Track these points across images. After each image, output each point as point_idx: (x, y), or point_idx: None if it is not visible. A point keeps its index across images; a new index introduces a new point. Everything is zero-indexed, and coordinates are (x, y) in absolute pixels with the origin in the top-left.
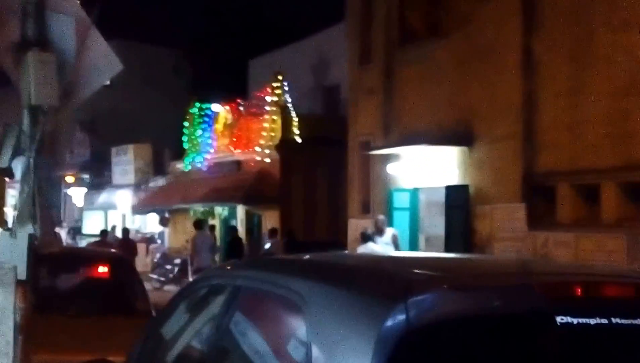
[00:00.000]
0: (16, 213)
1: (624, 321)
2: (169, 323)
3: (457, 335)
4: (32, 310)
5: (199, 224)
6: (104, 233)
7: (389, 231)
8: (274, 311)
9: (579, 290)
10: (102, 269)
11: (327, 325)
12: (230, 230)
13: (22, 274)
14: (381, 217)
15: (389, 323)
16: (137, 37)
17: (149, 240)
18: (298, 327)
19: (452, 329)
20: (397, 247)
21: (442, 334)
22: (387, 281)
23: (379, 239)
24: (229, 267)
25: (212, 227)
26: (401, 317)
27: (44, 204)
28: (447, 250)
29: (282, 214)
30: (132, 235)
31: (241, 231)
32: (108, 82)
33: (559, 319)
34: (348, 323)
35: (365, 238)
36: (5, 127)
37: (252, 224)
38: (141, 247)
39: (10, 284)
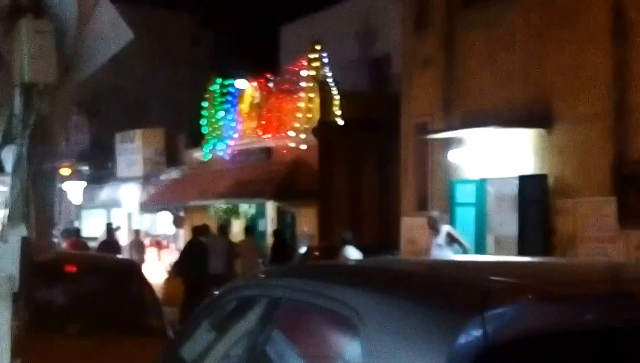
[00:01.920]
0: (7, 212)
1: None
2: (191, 343)
3: (544, 353)
4: (25, 328)
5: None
6: (110, 229)
7: (445, 230)
8: (321, 328)
9: None
10: (109, 279)
11: (386, 344)
12: (273, 233)
13: (15, 286)
14: (435, 213)
15: (463, 340)
16: (148, 0)
17: (160, 244)
18: (351, 347)
19: (537, 347)
20: (457, 248)
21: (526, 353)
22: (459, 291)
23: (432, 240)
24: (264, 275)
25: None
26: (477, 333)
27: (39, 201)
28: (521, 253)
29: (320, 213)
30: (141, 237)
31: (272, 231)
32: (114, 54)
33: None
34: (412, 342)
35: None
36: None
37: (284, 223)
38: (152, 253)
39: (5, 298)
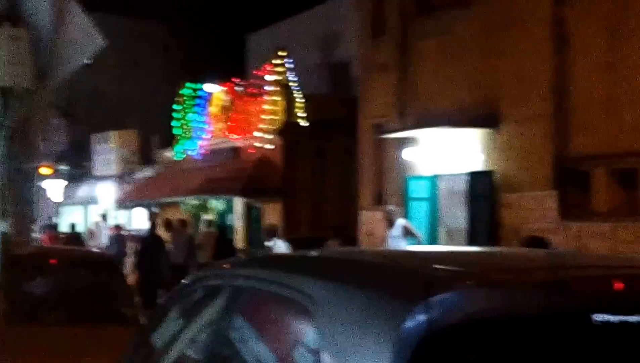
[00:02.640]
0: None
1: None
2: (160, 330)
3: (485, 337)
4: (5, 318)
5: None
6: (73, 226)
7: (399, 223)
8: (280, 314)
9: (618, 285)
10: (84, 271)
11: (339, 329)
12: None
13: None
14: (390, 207)
15: (408, 324)
16: (122, 10)
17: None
18: (307, 332)
19: (478, 331)
20: (411, 239)
21: (468, 337)
22: (405, 279)
23: (388, 232)
24: (227, 266)
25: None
26: (422, 318)
27: (17, 199)
28: (470, 244)
29: (285, 208)
30: (122, 232)
31: (239, 226)
32: (89, 61)
33: (597, 317)
34: (362, 326)
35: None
36: None
37: (251, 218)
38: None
39: None
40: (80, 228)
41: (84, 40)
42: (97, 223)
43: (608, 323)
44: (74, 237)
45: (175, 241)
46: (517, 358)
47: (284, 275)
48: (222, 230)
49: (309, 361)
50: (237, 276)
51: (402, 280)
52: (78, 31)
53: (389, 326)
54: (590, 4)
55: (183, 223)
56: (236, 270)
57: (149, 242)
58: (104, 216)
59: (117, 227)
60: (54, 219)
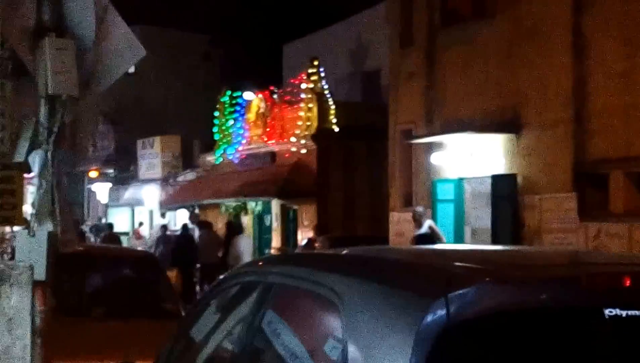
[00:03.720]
0: (34, 210)
1: None
2: (198, 323)
3: (501, 330)
4: (53, 312)
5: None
6: (111, 226)
7: (427, 223)
8: (309, 309)
9: (629, 281)
10: (128, 269)
11: (364, 322)
12: (226, 225)
13: (40, 274)
14: (419, 209)
15: (429, 318)
16: (165, 22)
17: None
18: (334, 325)
19: (494, 324)
20: (436, 239)
21: (485, 329)
22: (426, 275)
23: (417, 231)
24: (260, 263)
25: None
26: (441, 312)
27: (64, 200)
28: (494, 243)
29: (319, 208)
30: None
31: (276, 226)
32: (131, 70)
33: (607, 312)
34: (386, 320)
35: (235, 231)
36: (21, 119)
37: (287, 219)
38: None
39: (26, 285)
40: (126, 228)
41: (125, 49)
42: (142, 224)
43: (619, 317)
44: (113, 237)
45: (204, 241)
46: (532, 350)
47: (312, 272)
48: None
49: (337, 352)
50: (269, 273)
51: (423, 277)
52: (119, 41)
53: (410, 319)
54: (607, 14)
55: (207, 224)
56: (269, 268)
57: (181, 241)
58: (140, 224)
59: (163, 227)
60: (103, 220)
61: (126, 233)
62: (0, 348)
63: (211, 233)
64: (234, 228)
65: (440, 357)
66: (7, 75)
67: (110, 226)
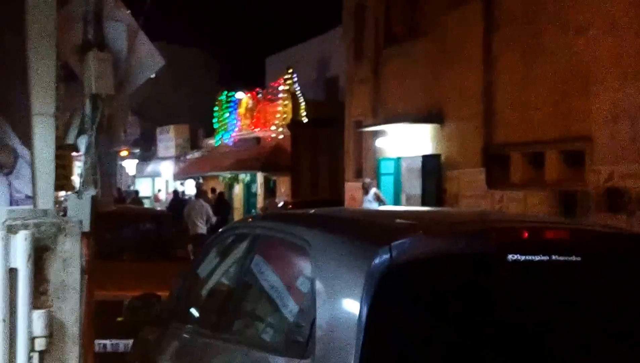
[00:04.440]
0: (81, 179)
1: (561, 257)
2: (203, 264)
3: (430, 270)
4: (94, 256)
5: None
6: (120, 191)
7: (372, 191)
8: (285, 254)
9: (526, 234)
10: (151, 223)
11: (327, 264)
12: (218, 194)
13: (86, 227)
14: (367, 180)
15: (377, 261)
16: (177, 40)
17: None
18: (305, 266)
19: (426, 266)
20: (380, 203)
21: (418, 270)
22: (375, 229)
23: (364, 198)
24: (249, 219)
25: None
26: (386, 256)
27: (103, 172)
28: (424, 206)
29: (292, 179)
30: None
31: (260, 192)
32: (153, 75)
33: (510, 257)
34: (344, 263)
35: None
36: (72, 112)
37: (269, 187)
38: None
39: (76, 235)
40: (149, 193)
41: (149, 60)
42: (160, 190)
43: (518, 261)
44: (137, 200)
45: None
46: (453, 286)
47: (289, 226)
48: (221, 194)
49: (307, 286)
50: (256, 227)
51: (372, 230)
52: (145, 55)
53: (363, 262)
54: (509, 36)
55: (203, 192)
56: (256, 223)
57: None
58: (159, 191)
59: (175, 193)
60: (132, 188)
61: (148, 197)
62: (59, 281)
63: (197, 202)
64: (223, 202)
65: (385, 291)
66: (61, 79)
67: (137, 192)
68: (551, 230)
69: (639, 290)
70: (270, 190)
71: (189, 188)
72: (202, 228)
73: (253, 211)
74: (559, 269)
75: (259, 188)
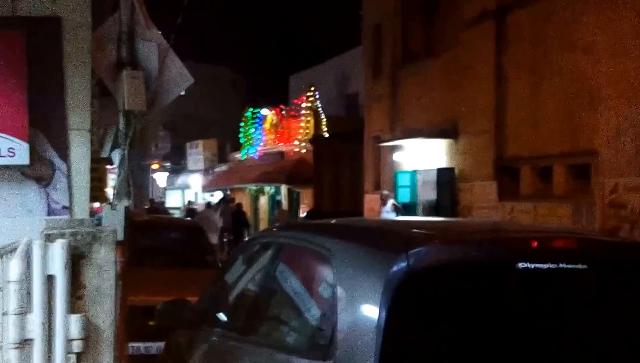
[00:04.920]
0: (115, 191)
1: (568, 265)
2: (230, 271)
3: (445, 277)
4: (128, 263)
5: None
6: (152, 202)
7: (390, 202)
8: (308, 262)
9: (535, 243)
10: (180, 232)
11: (348, 271)
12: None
13: (120, 235)
14: (385, 192)
15: (394, 269)
16: (205, 59)
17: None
18: (326, 273)
19: (441, 273)
20: (397, 214)
21: (434, 277)
22: (393, 239)
23: (382, 209)
24: (274, 229)
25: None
26: (403, 264)
27: (136, 184)
28: (438, 216)
29: (314, 191)
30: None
31: (284, 203)
32: (183, 93)
33: (520, 264)
34: (364, 270)
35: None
36: (106, 127)
37: (292, 199)
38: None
39: (110, 243)
40: (179, 204)
41: (179, 78)
42: (189, 202)
43: (528, 268)
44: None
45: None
46: (467, 291)
47: (311, 235)
48: (239, 205)
49: (328, 292)
50: (281, 236)
51: (391, 239)
52: (175, 72)
53: (381, 269)
54: (519, 56)
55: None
56: (280, 232)
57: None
58: (189, 202)
59: (208, 204)
60: (162, 199)
61: (179, 208)
62: (94, 286)
63: (206, 213)
64: (239, 213)
65: (402, 296)
66: (96, 96)
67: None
68: (559, 239)
69: (638, 293)
70: (294, 201)
71: (217, 199)
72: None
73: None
74: (566, 276)
75: (283, 199)
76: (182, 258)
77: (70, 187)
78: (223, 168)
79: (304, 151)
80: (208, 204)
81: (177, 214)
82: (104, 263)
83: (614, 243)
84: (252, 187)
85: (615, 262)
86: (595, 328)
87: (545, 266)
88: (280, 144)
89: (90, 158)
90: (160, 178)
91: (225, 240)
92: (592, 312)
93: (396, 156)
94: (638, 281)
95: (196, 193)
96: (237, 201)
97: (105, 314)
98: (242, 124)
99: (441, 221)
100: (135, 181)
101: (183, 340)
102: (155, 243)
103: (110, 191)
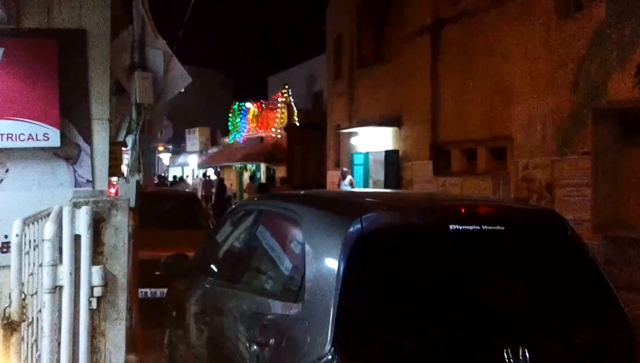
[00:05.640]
0: (128, 168)
1: (489, 227)
2: (220, 232)
3: (391, 236)
4: (138, 225)
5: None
6: (175, 178)
7: (348, 178)
8: (282, 224)
9: (462, 209)
10: (180, 201)
11: (314, 232)
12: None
13: (132, 203)
14: (344, 169)
15: (351, 230)
16: (201, 64)
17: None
18: (297, 233)
19: (388, 233)
20: (353, 187)
21: (382, 236)
22: (350, 206)
23: (342, 183)
24: (255, 199)
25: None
26: (358, 226)
27: (145, 162)
28: (386, 188)
29: (287, 168)
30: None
31: (263, 179)
32: (183, 90)
33: (451, 227)
34: (327, 231)
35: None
36: (122, 117)
37: (269, 174)
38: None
39: (125, 209)
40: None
41: (180, 78)
42: (187, 176)
43: (457, 229)
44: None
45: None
46: (408, 249)
47: (285, 203)
48: (221, 180)
49: (298, 249)
50: (261, 204)
51: (348, 206)
52: (177, 73)
53: (340, 231)
54: (450, 61)
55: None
56: (260, 201)
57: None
58: (187, 177)
59: (199, 178)
60: (164, 174)
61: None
62: (112, 243)
63: (180, 185)
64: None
65: (357, 252)
66: (114, 92)
67: (165, 177)
68: (481, 206)
69: (544, 249)
70: (270, 177)
71: (211, 174)
72: None
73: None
74: (487, 235)
75: (262, 175)
76: (181, 221)
77: (92, 165)
78: (215, 149)
79: (279, 136)
80: (212, 178)
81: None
82: (120, 225)
83: (524, 210)
84: (238, 165)
85: (526, 224)
86: (510, 275)
87: (471, 227)
88: (260, 131)
89: (109, 142)
90: (164, 158)
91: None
92: (507, 263)
93: (353, 141)
94: (541, 238)
95: (193, 170)
96: (223, 177)
97: (120, 266)
98: (230, 115)
99: (388, 193)
100: (144, 160)
101: (182, 287)
102: (160, 209)
103: (124, 168)
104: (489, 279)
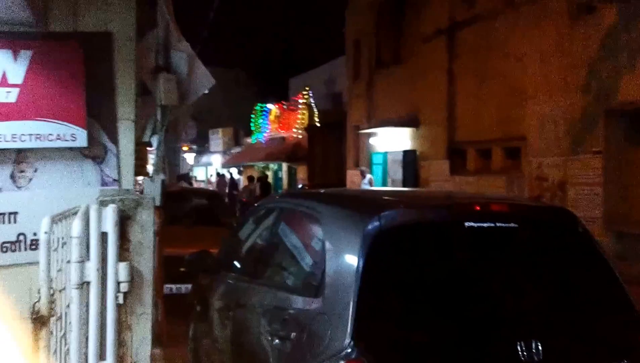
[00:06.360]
0: (154, 168)
1: (503, 224)
2: (242, 229)
3: (409, 233)
4: (163, 223)
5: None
6: (218, 175)
7: (368, 176)
8: (303, 222)
9: (477, 207)
10: (204, 199)
11: (334, 229)
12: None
13: (157, 202)
14: (362, 168)
15: (370, 227)
16: (224, 65)
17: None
18: (317, 230)
19: (405, 230)
20: (372, 186)
21: (400, 233)
22: (368, 204)
23: (361, 181)
24: (277, 197)
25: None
26: (376, 224)
27: (169, 162)
28: (404, 187)
29: (308, 168)
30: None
31: (285, 177)
32: (207, 91)
33: (466, 224)
34: (346, 228)
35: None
36: (147, 118)
37: (291, 173)
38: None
39: (150, 208)
40: (203, 178)
41: (203, 80)
42: (211, 175)
43: (472, 227)
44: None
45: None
46: (426, 244)
47: (306, 201)
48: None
49: (319, 245)
50: (282, 202)
51: (366, 204)
52: (200, 75)
53: (359, 228)
54: (466, 62)
55: (250, 178)
56: (282, 199)
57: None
58: (211, 176)
59: (222, 177)
60: (190, 173)
61: (203, 181)
62: (137, 240)
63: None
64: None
65: (375, 248)
66: (139, 93)
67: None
68: (496, 204)
69: (556, 245)
70: (292, 175)
71: (234, 173)
72: None
73: (279, 191)
74: (501, 232)
75: (283, 174)
76: (205, 219)
77: (118, 164)
78: (237, 149)
79: (300, 136)
80: (226, 176)
81: (203, 185)
82: (145, 223)
83: (537, 207)
84: (260, 164)
85: (538, 221)
86: (523, 271)
87: (485, 225)
88: (282, 132)
89: (134, 142)
90: (189, 158)
91: None
92: (520, 259)
93: (371, 141)
94: (554, 234)
95: (216, 169)
96: (248, 177)
97: (146, 262)
98: (252, 115)
99: (406, 191)
100: (169, 161)
101: (206, 283)
102: (184, 207)
103: (150, 168)
104: (502, 275)
